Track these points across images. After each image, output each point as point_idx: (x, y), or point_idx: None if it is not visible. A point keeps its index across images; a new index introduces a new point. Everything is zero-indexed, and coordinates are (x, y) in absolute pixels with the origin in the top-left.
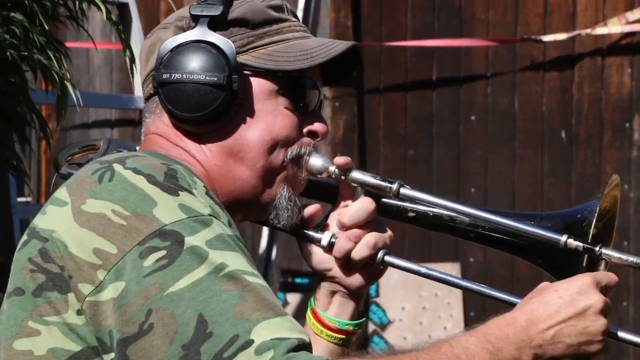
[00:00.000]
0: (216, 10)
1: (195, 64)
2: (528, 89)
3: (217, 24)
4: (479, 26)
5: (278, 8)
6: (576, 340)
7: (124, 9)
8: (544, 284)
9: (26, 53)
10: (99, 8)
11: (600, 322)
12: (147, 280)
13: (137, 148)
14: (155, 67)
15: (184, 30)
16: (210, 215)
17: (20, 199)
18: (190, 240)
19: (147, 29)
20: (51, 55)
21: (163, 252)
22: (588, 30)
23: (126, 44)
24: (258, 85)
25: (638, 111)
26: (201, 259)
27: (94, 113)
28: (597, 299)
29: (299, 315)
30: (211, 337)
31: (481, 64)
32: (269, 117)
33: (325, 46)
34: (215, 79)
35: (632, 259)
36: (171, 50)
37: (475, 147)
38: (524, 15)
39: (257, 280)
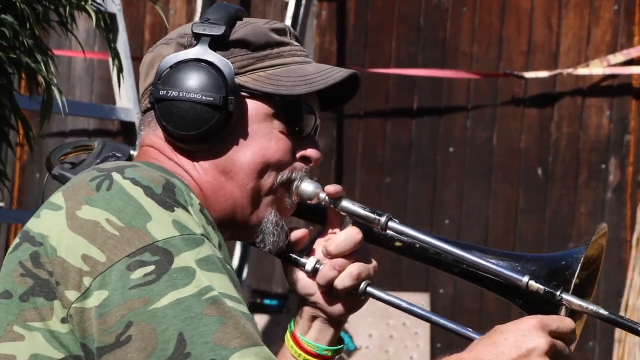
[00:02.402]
0: (218, 30)
1: (192, 83)
2: (507, 124)
3: (218, 43)
4: (462, 60)
5: (281, 31)
6: None
7: (111, 20)
8: (498, 326)
9: (14, 56)
10: (89, 15)
11: None
12: (131, 293)
13: (132, 152)
14: (153, 82)
15: (185, 48)
16: (202, 235)
17: None
18: (179, 259)
19: (132, 41)
20: (39, 59)
21: (151, 267)
22: (570, 70)
23: (115, 53)
24: (254, 107)
25: (614, 153)
26: (188, 278)
27: (72, 122)
28: (541, 341)
29: (267, 336)
30: (189, 357)
31: (462, 96)
32: (262, 140)
33: (324, 73)
34: (212, 99)
35: (592, 307)
36: (170, 66)
37: (452, 179)
38: (507, 52)
39: (239, 306)
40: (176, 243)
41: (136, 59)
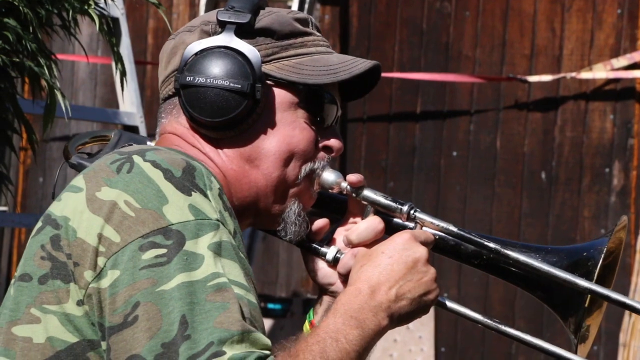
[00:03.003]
0: (244, 18)
1: (219, 70)
2: (510, 128)
3: (244, 31)
4: (465, 63)
5: (304, 21)
6: (416, 293)
7: (114, 24)
8: (363, 249)
9: (17, 60)
10: (92, 19)
11: (431, 271)
12: (141, 273)
13: (148, 143)
14: (178, 69)
15: (210, 35)
16: (217, 220)
17: None
18: (192, 243)
19: (135, 46)
20: (42, 63)
21: (163, 250)
22: (573, 74)
23: (118, 57)
24: (279, 95)
25: (618, 157)
26: (198, 262)
27: (75, 126)
28: (422, 251)
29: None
30: (189, 339)
31: (465, 100)
32: (287, 129)
33: (348, 63)
34: (240, 86)
35: (442, 224)
36: (196, 53)
37: (455, 183)
38: (510, 55)
39: (246, 295)
40: (190, 227)
41: (139, 63)
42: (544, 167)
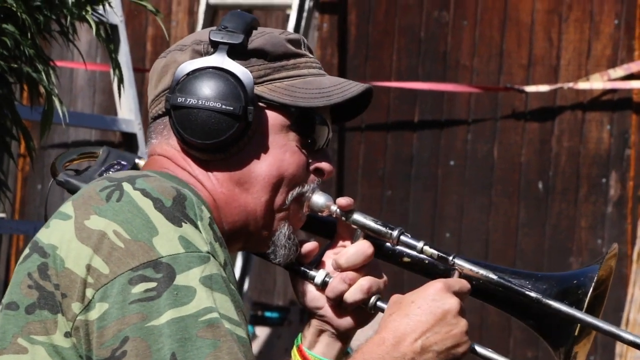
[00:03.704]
0: (237, 39)
1: (211, 91)
2: (508, 138)
3: (236, 52)
4: (462, 73)
5: (296, 42)
6: (443, 346)
7: (113, 31)
8: (397, 296)
9: (15, 65)
10: (90, 25)
11: (462, 324)
12: (131, 308)
13: (137, 160)
14: (170, 89)
15: (202, 55)
16: (208, 252)
17: None
18: (182, 277)
19: (134, 53)
20: (40, 69)
21: (153, 284)
22: (570, 84)
23: (116, 64)
24: (271, 118)
25: (615, 168)
26: (188, 297)
27: (73, 133)
28: (452, 302)
29: (268, 348)
30: None
31: (463, 110)
32: (278, 152)
33: (341, 86)
34: (232, 108)
35: (482, 271)
36: (188, 74)
37: (452, 193)
38: (508, 65)
39: (236, 329)
40: (181, 260)
41: (138, 70)
42: (541, 177)
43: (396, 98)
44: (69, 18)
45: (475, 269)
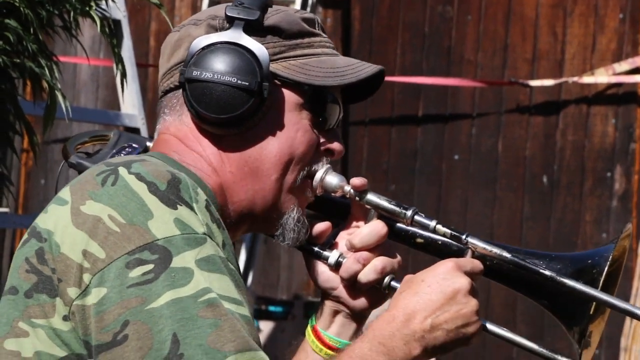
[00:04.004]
0: (253, 15)
1: (227, 66)
2: (512, 132)
3: (252, 28)
4: (467, 67)
5: (311, 21)
6: (453, 325)
7: (116, 26)
8: (409, 276)
9: (18, 60)
10: (93, 21)
11: (472, 303)
12: (129, 292)
13: (148, 143)
14: (184, 63)
15: (217, 30)
16: (204, 234)
17: (0, 209)
18: (179, 258)
19: (137, 48)
20: (43, 64)
21: (150, 266)
22: (575, 78)
23: (119, 59)
24: (284, 95)
25: (620, 162)
26: (186, 278)
27: (77, 128)
28: (463, 281)
29: (272, 343)
30: (182, 358)
31: (467, 104)
32: (291, 130)
33: (355, 67)
34: (247, 83)
35: (495, 250)
36: (203, 48)
37: (456, 187)
38: (512, 59)
39: (237, 308)
40: (177, 242)
41: (141, 65)
42: (546, 171)
43: (400, 93)
44: (72, 13)
45: (489, 247)
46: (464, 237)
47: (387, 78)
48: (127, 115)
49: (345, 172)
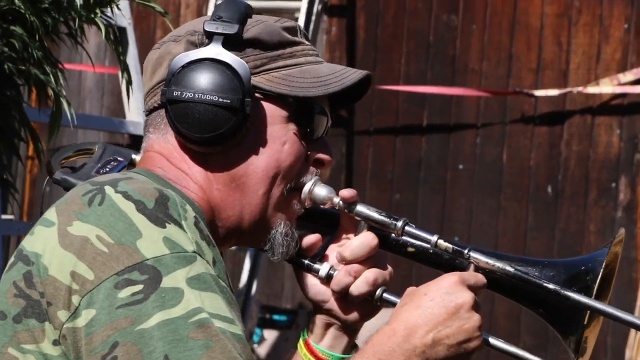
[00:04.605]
0: (231, 29)
1: (208, 84)
2: (517, 142)
3: (231, 42)
4: (471, 77)
5: (292, 30)
6: (455, 340)
7: (121, 33)
8: (412, 288)
9: (23, 67)
10: (99, 28)
11: (475, 318)
12: (118, 312)
13: (133, 156)
14: (165, 82)
15: (196, 46)
16: (194, 252)
17: (5, 216)
18: (169, 278)
19: (142, 56)
20: (48, 71)
21: (140, 287)
22: (580, 88)
23: (124, 66)
24: (268, 109)
25: (625, 172)
26: (177, 299)
27: (82, 135)
28: (466, 296)
29: (276, 352)
30: None
31: (472, 114)
32: (276, 144)
33: (339, 74)
34: (229, 101)
35: (498, 264)
36: (183, 66)
37: (461, 196)
38: (517, 69)
39: (229, 326)
40: (166, 262)
41: None
42: (550, 181)
43: (405, 102)
44: (77, 20)
45: (491, 262)
46: (466, 251)
47: (392, 87)
48: (132, 123)
49: (350, 182)
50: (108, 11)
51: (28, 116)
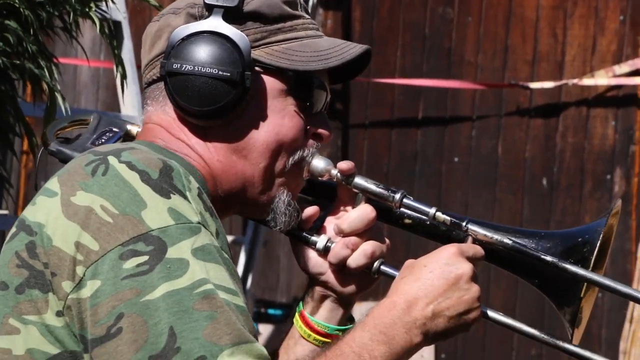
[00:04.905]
0: (232, 2)
1: (208, 57)
2: (512, 134)
3: (232, 15)
4: (467, 69)
5: (293, 4)
6: (455, 311)
7: (116, 28)
8: (410, 260)
9: (18, 62)
10: (93, 22)
11: (474, 289)
12: (123, 283)
13: (128, 126)
14: (165, 54)
15: (196, 19)
16: (199, 223)
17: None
18: (174, 249)
19: (138, 50)
20: (42, 65)
21: (145, 258)
22: (575, 80)
23: (119, 60)
24: (268, 82)
25: (620, 164)
26: (182, 269)
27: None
28: (465, 267)
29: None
30: (179, 352)
31: (467, 106)
32: (276, 117)
33: (339, 48)
34: (229, 74)
35: (496, 236)
36: (182, 38)
37: (457, 189)
38: (512, 61)
39: (233, 298)
40: (171, 232)
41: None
42: (546, 173)
43: (400, 94)
44: (71, 14)
45: (489, 234)
46: (464, 223)
47: (387, 80)
48: (127, 117)
49: None
50: (103, 5)
51: (23, 111)
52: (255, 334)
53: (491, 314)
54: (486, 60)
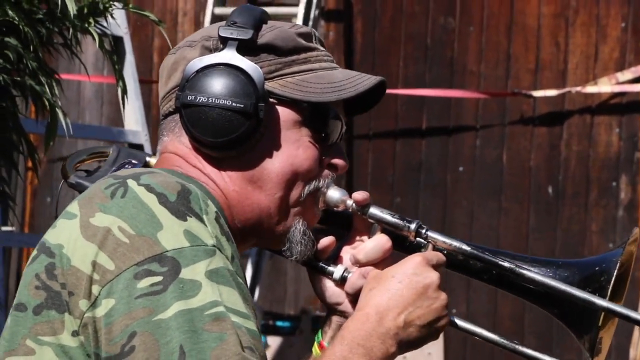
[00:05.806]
0: (246, 34)
1: (222, 89)
2: (517, 143)
3: (246, 48)
4: (470, 78)
5: (307, 36)
6: (425, 320)
7: (118, 43)
8: (375, 271)
9: (18, 78)
10: (93, 38)
11: (442, 297)
12: (137, 302)
13: (147, 159)
14: (180, 86)
15: (211, 51)
16: (214, 246)
17: (5, 228)
18: (188, 270)
19: (140, 64)
20: (43, 81)
21: (159, 278)
22: (578, 88)
23: (119, 75)
24: (282, 114)
25: (625, 171)
26: (194, 290)
27: (82, 145)
28: (433, 276)
29: (280, 358)
30: None
31: (471, 115)
32: (291, 148)
33: (353, 80)
34: (242, 105)
35: (455, 243)
36: (197, 71)
37: (462, 198)
38: (515, 70)
39: (245, 322)
40: (186, 254)
41: (145, 81)
42: (551, 182)
43: (404, 105)
44: (71, 30)
45: (448, 240)
46: (423, 232)
47: (390, 90)
48: (130, 132)
49: (350, 186)
50: (103, 21)
51: (25, 127)
52: (265, 357)
53: (459, 322)
54: (489, 70)
